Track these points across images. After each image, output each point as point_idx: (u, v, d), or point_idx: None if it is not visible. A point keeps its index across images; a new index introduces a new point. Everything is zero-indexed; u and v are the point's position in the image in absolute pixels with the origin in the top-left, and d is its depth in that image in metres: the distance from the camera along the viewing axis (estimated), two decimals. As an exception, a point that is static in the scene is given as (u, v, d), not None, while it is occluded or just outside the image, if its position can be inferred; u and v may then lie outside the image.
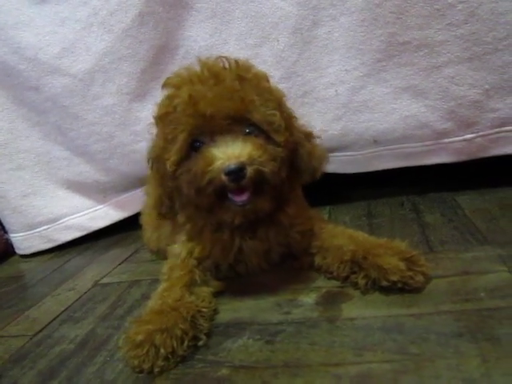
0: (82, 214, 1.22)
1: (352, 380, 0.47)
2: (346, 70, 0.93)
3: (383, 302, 0.61)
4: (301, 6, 0.91)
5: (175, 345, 0.57)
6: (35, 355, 0.68)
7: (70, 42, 1.04)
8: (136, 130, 1.09)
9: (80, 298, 0.87)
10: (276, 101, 0.65)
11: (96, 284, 0.92)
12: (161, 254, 0.92)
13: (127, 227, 1.22)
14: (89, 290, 0.90)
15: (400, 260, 0.61)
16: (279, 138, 0.63)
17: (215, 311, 0.68)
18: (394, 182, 1.10)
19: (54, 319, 0.79)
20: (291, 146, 0.67)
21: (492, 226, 0.77)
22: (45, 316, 0.82)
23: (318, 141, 0.75)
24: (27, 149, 1.18)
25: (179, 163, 0.63)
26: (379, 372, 0.47)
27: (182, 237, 0.76)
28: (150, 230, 0.95)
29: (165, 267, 0.75)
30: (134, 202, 1.16)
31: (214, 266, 0.75)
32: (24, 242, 1.25)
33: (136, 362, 0.56)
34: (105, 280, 0.94)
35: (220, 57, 0.65)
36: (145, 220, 0.97)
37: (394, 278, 0.60)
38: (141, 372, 0.56)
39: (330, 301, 0.64)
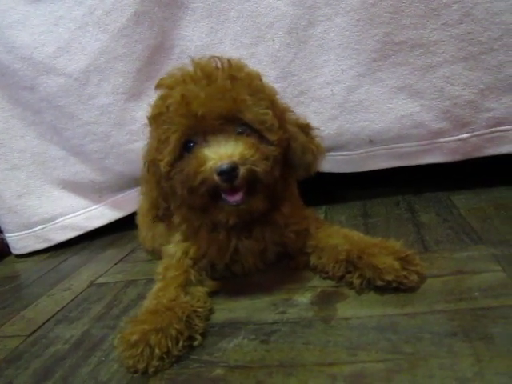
0: (77, 213, 1.22)
1: (346, 379, 0.47)
2: (341, 69, 0.93)
3: (378, 302, 0.61)
4: (296, 6, 0.91)
5: (170, 345, 0.57)
6: (30, 355, 0.68)
7: (66, 42, 1.04)
8: (132, 129, 1.09)
9: (75, 297, 0.87)
10: (268, 99, 0.65)
11: (92, 284, 0.92)
12: (156, 254, 0.92)
13: (123, 227, 1.22)
14: (84, 289, 0.90)
15: (395, 259, 0.61)
16: (272, 137, 0.63)
17: (210, 311, 0.68)
18: (390, 181, 1.10)
19: (50, 319, 0.79)
20: (285, 144, 0.67)
21: (487, 226, 0.77)
22: (40, 316, 0.81)
23: (316, 132, 0.74)
24: (22, 148, 1.18)
25: (172, 164, 0.63)
26: (373, 371, 0.48)
27: (177, 237, 0.76)
28: (144, 230, 0.94)
29: (160, 267, 0.75)
30: (129, 201, 1.16)
31: (209, 266, 0.75)
32: (19, 241, 1.24)
33: (131, 362, 0.56)
34: (100, 280, 0.94)
35: (213, 57, 0.65)
36: (140, 220, 0.97)
37: (389, 277, 0.60)
38: (135, 372, 0.56)
39: (325, 300, 0.64)
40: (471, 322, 0.52)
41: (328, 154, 0.97)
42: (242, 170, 0.59)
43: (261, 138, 0.63)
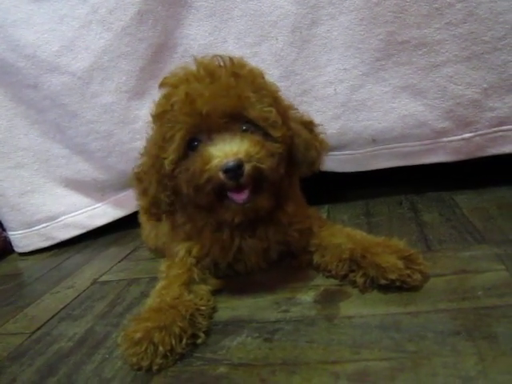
0: (80, 212, 1.22)
1: (349, 377, 0.47)
2: (344, 68, 0.93)
3: (381, 301, 0.61)
4: (300, 5, 0.91)
5: (174, 343, 0.57)
6: (34, 353, 0.68)
7: (69, 40, 1.04)
8: (135, 128, 1.09)
9: (79, 295, 0.87)
10: (271, 96, 0.65)
11: (95, 282, 0.92)
12: (159, 252, 0.92)
13: (126, 225, 1.22)
14: (87, 287, 0.90)
15: (398, 258, 0.62)
16: (276, 134, 0.63)
17: (214, 309, 0.68)
18: (393, 181, 1.10)
19: (53, 317, 0.79)
20: (289, 141, 0.67)
21: (490, 225, 0.77)
22: (43, 314, 0.82)
23: (319, 129, 0.74)
24: (26, 147, 1.18)
25: (177, 162, 0.63)
26: (376, 369, 0.48)
27: (181, 235, 0.76)
28: (148, 228, 0.94)
29: (163, 265, 0.76)
30: (132, 200, 1.14)
31: (212, 265, 0.75)
32: (22, 239, 1.25)
33: (134, 360, 0.56)
34: (103, 278, 0.94)
35: (215, 55, 0.65)
36: (143, 218, 0.97)
37: (392, 276, 0.60)
38: (139, 369, 0.56)
39: (328, 299, 0.65)
40: (474, 321, 0.52)
41: (331, 153, 0.97)
42: (247, 168, 0.59)
43: (265, 135, 0.63)
